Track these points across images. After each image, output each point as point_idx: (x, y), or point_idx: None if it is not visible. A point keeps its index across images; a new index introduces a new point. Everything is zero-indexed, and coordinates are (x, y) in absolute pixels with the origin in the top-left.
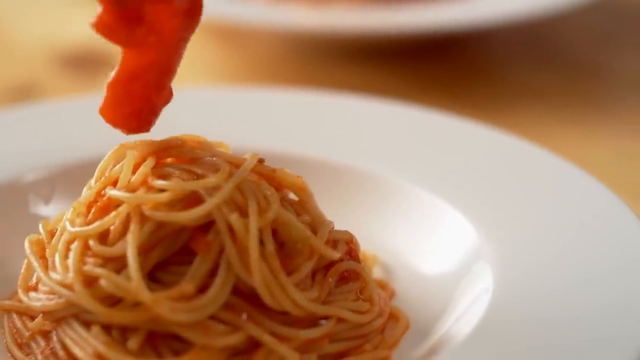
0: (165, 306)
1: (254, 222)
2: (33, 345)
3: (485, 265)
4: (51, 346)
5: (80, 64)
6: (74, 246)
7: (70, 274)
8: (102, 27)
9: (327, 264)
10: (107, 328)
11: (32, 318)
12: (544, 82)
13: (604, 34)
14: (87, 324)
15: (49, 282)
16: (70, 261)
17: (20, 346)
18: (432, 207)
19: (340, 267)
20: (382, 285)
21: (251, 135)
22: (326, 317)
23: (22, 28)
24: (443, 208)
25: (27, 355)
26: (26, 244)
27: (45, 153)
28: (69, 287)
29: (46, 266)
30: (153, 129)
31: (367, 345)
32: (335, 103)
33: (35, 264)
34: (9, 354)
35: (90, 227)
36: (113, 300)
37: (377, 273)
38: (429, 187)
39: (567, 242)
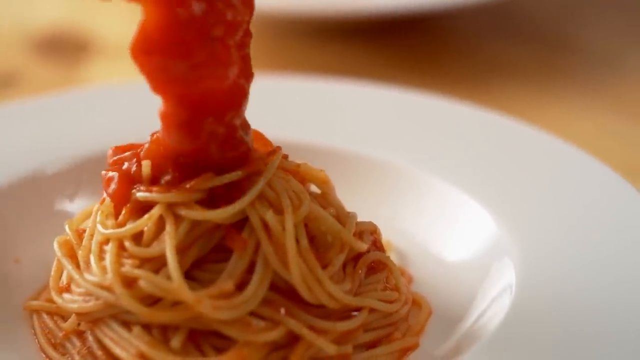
0: (207, 305)
1: (289, 220)
2: (68, 345)
3: (500, 250)
4: (87, 346)
5: (56, 49)
6: (108, 247)
7: (109, 276)
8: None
9: (355, 255)
10: (147, 328)
11: (63, 318)
12: (514, 57)
13: (567, 6)
14: (126, 324)
15: (85, 284)
16: (108, 263)
17: (54, 346)
18: (440, 191)
19: (368, 258)
20: (400, 272)
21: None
22: (358, 308)
23: None
24: (452, 192)
25: (63, 355)
26: (55, 246)
27: (64, 146)
28: (107, 288)
29: (78, 267)
30: None
31: (396, 333)
32: (332, 88)
33: (69, 267)
34: (43, 355)
35: (124, 229)
36: (151, 300)
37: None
38: (436, 172)
39: (578, 224)
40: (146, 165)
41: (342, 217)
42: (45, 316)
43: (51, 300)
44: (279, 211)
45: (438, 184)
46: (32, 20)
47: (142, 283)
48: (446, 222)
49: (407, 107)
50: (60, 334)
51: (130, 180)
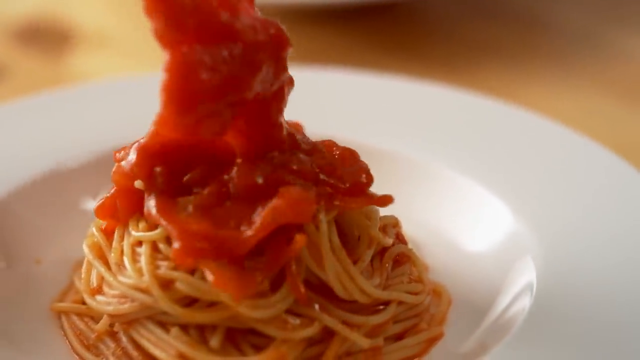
0: (245, 304)
1: (323, 220)
2: (101, 346)
3: (513, 236)
4: (122, 347)
5: (38, 40)
6: (142, 250)
7: (145, 278)
8: None
9: (380, 249)
10: (184, 328)
11: (93, 319)
12: (491, 37)
13: None
14: (162, 325)
15: (121, 287)
16: (143, 265)
17: (87, 348)
18: (449, 180)
19: (393, 252)
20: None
21: None
22: (386, 302)
23: None
24: (461, 181)
25: (97, 356)
26: (86, 249)
27: (82, 143)
28: (144, 291)
29: (109, 269)
30: None
31: (422, 323)
32: (321, 77)
33: (102, 269)
34: (77, 356)
35: (157, 231)
36: (187, 301)
37: None
38: (443, 161)
39: (588, 209)
40: (139, 184)
41: (367, 212)
42: (74, 317)
43: (78, 301)
44: None
45: (446, 173)
46: (12, 11)
47: (179, 285)
48: (456, 210)
49: (403, 95)
50: (93, 336)
51: (129, 192)
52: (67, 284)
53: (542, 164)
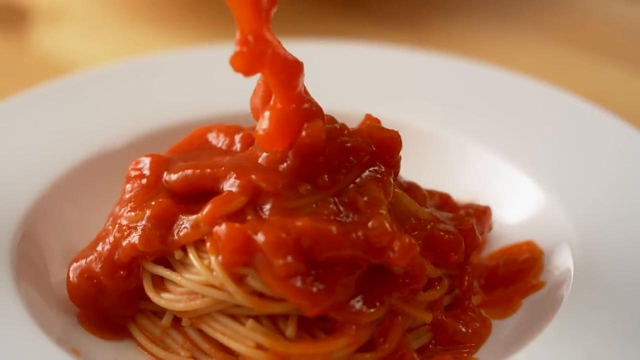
0: None
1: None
2: (168, 340)
3: (545, 207)
4: (191, 339)
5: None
6: (208, 247)
7: (217, 274)
8: None
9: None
10: (256, 319)
11: (155, 313)
12: None
13: None
14: (235, 318)
15: (190, 285)
16: (214, 262)
17: (154, 342)
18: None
19: None
20: None
21: None
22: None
23: None
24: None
25: (166, 350)
26: None
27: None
28: (218, 287)
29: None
30: None
31: None
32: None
33: (167, 272)
34: (145, 352)
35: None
36: (257, 293)
37: None
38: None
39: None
40: None
41: (417, 197)
42: None
43: None
44: None
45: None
46: None
47: (249, 280)
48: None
49: (375, 61)
50: (158, 330)
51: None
52: None
53: (553, 132)
